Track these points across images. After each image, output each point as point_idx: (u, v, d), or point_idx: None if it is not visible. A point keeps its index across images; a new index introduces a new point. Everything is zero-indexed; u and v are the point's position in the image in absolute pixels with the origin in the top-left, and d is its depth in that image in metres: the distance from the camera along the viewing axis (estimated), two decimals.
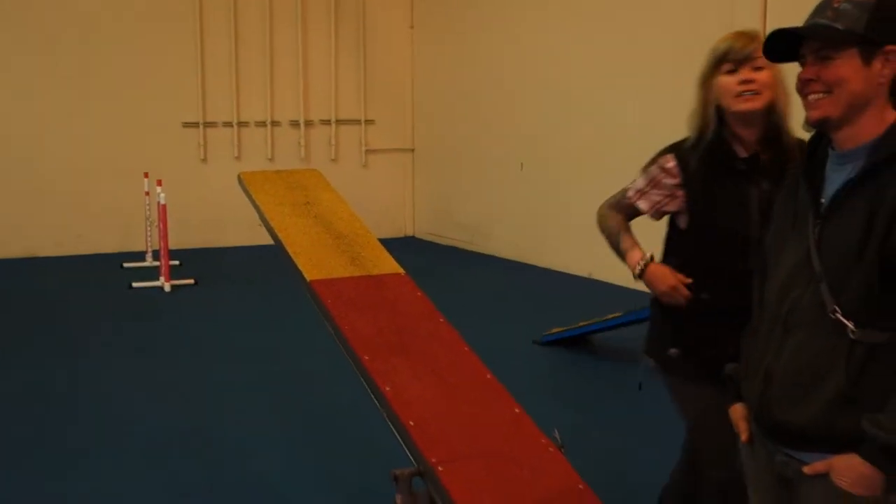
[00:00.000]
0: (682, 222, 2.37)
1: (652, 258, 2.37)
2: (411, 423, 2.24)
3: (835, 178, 1.67)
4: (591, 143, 7.18)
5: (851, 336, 1.59)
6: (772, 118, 2.24)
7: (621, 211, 2.50)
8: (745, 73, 2.21)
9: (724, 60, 2.23)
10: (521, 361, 5.05)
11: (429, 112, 9.26)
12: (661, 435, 3.85)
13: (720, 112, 2.26)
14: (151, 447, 3.81)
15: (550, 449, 2.29)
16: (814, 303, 1.64)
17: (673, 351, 2.37)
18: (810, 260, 1.66)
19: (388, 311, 2.69)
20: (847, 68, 1.61)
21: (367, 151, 9.33)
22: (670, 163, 2.35)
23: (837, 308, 1.60)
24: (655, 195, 2.40)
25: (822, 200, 1.67)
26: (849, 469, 1.60)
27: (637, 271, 2.38)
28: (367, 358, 2.47)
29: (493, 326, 5.68)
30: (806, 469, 1.67)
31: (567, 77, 7.40)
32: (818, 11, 1.65)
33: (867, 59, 1.61)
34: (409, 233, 9.51)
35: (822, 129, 1.70)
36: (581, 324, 5.32)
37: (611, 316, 5.15)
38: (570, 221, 7.41)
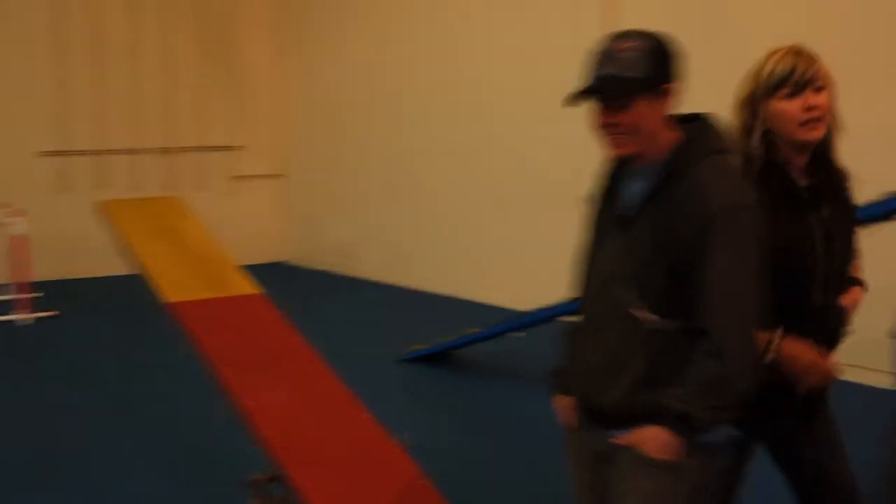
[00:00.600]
0: None
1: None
2: (267, 431, 2.42)
3: (633, 192, 1.94)
4: (458, 162, 7.50)
5: (648, 328, 1.87)
6: (824, 140, 2.08)
7: None
8: (809, 99, 2.01)
9: (785, 84, 2.02)
10: (384, 378, 5.26)
11: (300, 136, 9.38)
12: (511, 439, 4.14)
13: (768, 137, 2.06)
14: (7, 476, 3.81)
15: (398, 450, 2.51)
16: (619, 301, 1.90)
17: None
18: (616, 264, 1.93)
19: (247, 329, 2.86)
20: (643, 112, 1.86)
21: (237, 178, 9.36)
22: None
23: (638, 305, 1.87)
24: None
25: (622, 212, 1.94)
26: (652, 438, 1.87)
27: (771, 350, 2.05)
28: (227, 373, 2.62)
29: (359, 345, 5.87)
30: (615, 440, 1.93)
31: (436, 97, 7.70)
32: (604, 63, 1.87)
33: (655, 99, 1.88)
34: (281, 258, 9.57)
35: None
36: (442, 340, 5.58)
37: (470, 331, 5.43)
38: (437, 242, 7.71)
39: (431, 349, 5.59)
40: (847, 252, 2.18)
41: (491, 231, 7.22)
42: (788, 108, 2.02)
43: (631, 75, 1.85)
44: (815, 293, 2.09)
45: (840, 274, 2.16)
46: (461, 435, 4.34)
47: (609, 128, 1.90)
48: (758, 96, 2.04)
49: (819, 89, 2.02)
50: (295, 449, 2.38)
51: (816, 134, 2.03)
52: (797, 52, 2.04)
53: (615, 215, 1.97)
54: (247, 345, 2.76)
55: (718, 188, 1.87)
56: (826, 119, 2.04)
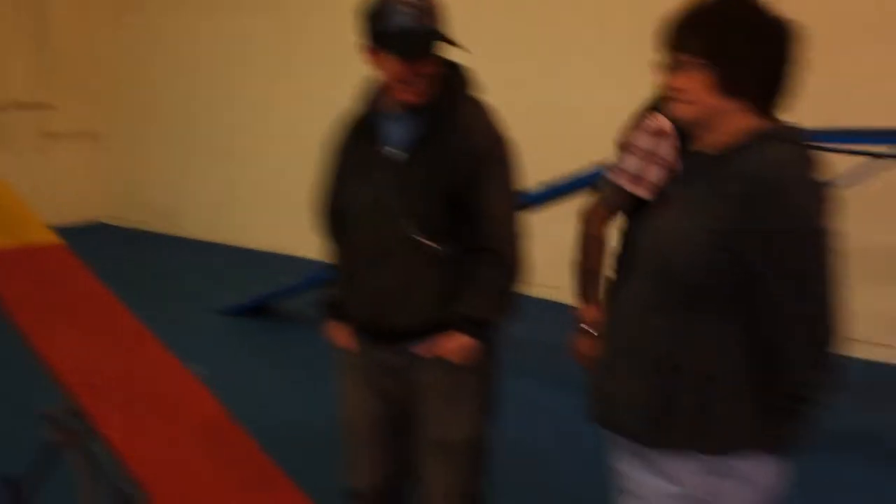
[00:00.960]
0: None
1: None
2: (62, 368, 2.51)
3: (399, 134, 2.11)
4: (268, 121, 7.57)
5: (433, 253, 2.10)
6: None
7: (609, 209, 2.22)
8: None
9: None
10: (206, 331, 5.40)
11: (117, 95, 9.11)
12: (320, 383, 4.36)
13: None
14: None
15: (195, 383, 2.66)
16: (403, 233, 2.10)
17: None
18: (395, 201, 2.10)
19: (44, 278, 2.92)
20: (437, 62, 2.08)
21: (46, 136, 9.00)
22: (665, 123, 2.08)
23: (421, 234, 2.09)
24: (655, 172, 2.07)
25: (388, 151, 2.12)
26: (450, 342, 2.15)
27: (586, 328, 2.20)
28: (22, 318, 2.69)
29: (180, 301, 5.94)
30: (419, 351, 2.17)
31: (243, 61, 7.71)
32: (417, 16, 1.98)
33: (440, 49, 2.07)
34: (99, 218, 9.32)
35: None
36: (262, 293, 5.72)
37: (287, 282, 5.61)
38: (255, 199, 7.77)
39: (250, 301, 5.72)
40: None
41: (304, 187, 7.33)
42: None
43: (439, 29, 2.04)
44: None
45: None
46: (277, 380, 4.55)
47: (416, 79, 2.04)
48: None
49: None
50: (91, 384, 2.50)
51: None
52: None
53: (381, 156, 2.13)
54: (43, 292, 2.82)
55: (482, 127, 2.13)
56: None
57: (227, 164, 8.01)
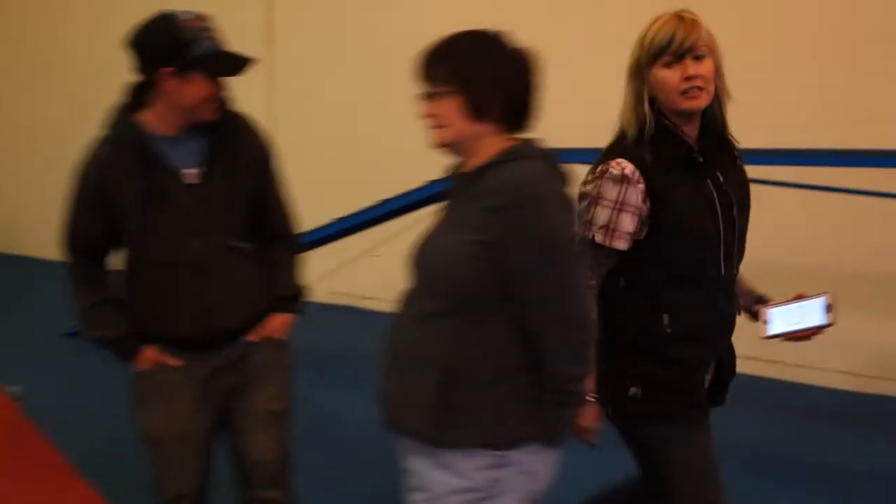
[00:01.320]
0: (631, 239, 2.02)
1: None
2: None
3: (187, 153, 2.22)
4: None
5: (248, 251, 2.32)
6: (710, 108, 2.04)
7: (598, 273, 2.03)
8: (689, 68, 1.95)
9: (665, 52, 1.96)
10: (47, 353, 5.29)
11: None
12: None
13: (655, 104, 2.01)
14: None
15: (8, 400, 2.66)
16: (218, 244, 2.27)
17: (633, 390, 2.06)
18: (203, 214, 2.23)
19: None
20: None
21: None
22: (628, 167, 1.98)
23: (234, 240, 2.29)
24: (628, 221, 1.97)
25: (183, 171, 2.22)
26: (274, 322, 2.41)
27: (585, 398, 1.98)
28: None
29: (21, 324, 5.76)
30: (250, 337, 2.37)
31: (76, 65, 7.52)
32: (216, 37, 2.16)
33: None
34: None
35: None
36: None
37: None
38: None
39: None
40: (746, 224, 2.13)
41: None
42: (668, 76, 1.97)
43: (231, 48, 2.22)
44: (714, 262, 2.05)
45: (740, 246, 2.13)
46: (108, 401, 4.45)
47: (219, 97, 2.23)
48: (642, 64, 2.00)
49: (699, 57, 1.96)
50: None
51: (697, 103, 1.97)
52: (679, 18, 1.98)
53: (178, 178, 2.21)
54: None
55: (257, 133, 2.36)
56: (708, 88, 1.97)
57: (65, 178, 7.76)
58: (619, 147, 2.02)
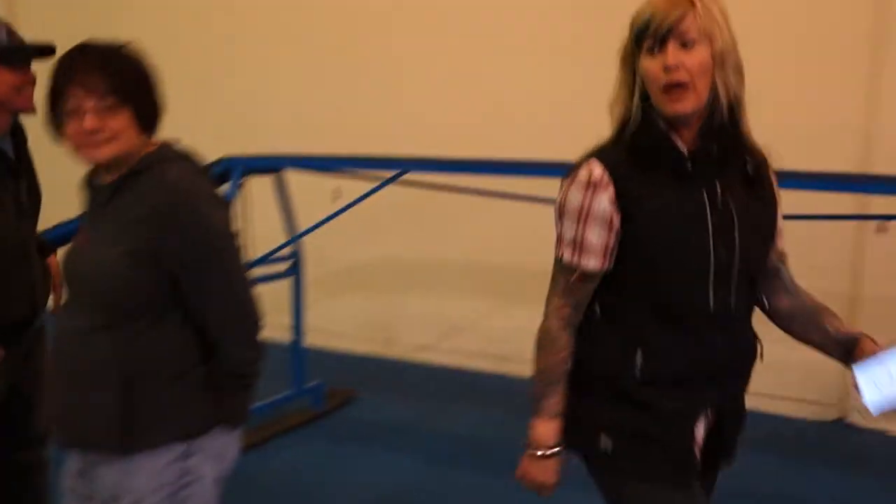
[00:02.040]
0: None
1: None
2: None
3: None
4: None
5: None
6: (714, 108, 1.56)
7: (574, 299, 1.65)
8: (669, 56, 1.50)
9: (645, 36, 1.52)
10: None
11: None
12: None
13: (645, 97, 1.57)
14: None
15: None
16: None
17: (605, 440, 1.67)
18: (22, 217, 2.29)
19: None
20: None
21: None
22: (597, 170, 1.58)
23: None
24: (595, 234, 1.59)
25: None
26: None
27: (540, 453, 1.69)
28: None
29: None
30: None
31: None
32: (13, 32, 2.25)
33: None
34: None
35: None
36: None
37: None
38: None
39: None
40: (759, 250, 1.68)
41: None
42: (649, 66, 1.53)
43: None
44: (702, 292, 1.60)
45: (747, 273, 1.66)
46: None
47: (29, 86, 2.31)
48: (629, 49, 1.58)
49: (687, 44, 1.50)
50: None
51: (680, 107, 1.52)
52: None
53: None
54: None
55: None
56: (695, 84, 1.51)
57: None
58: (597, 148, 1.64)
